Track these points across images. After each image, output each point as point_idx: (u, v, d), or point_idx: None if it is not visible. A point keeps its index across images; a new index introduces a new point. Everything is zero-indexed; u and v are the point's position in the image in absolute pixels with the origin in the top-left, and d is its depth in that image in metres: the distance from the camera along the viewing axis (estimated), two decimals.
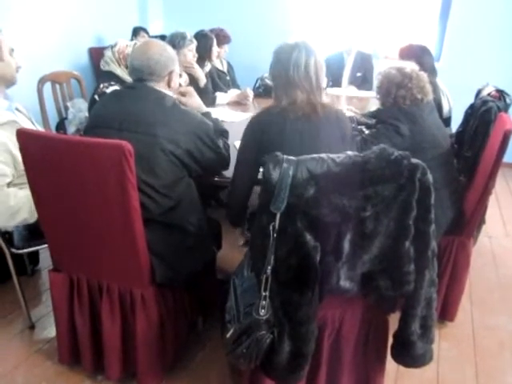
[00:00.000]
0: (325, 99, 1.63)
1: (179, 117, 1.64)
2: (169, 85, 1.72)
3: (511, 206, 3.66)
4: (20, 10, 3.63)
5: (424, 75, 2.01)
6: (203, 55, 3.18)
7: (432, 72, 2.68)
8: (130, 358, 1.71)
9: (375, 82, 2.13)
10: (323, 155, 1.16)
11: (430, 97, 2.03)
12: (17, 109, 1.98)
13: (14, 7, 3.55)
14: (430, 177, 1.18)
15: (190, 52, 2.84)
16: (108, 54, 2.52)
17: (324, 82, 1.60)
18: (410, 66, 2.03)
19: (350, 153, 1.18)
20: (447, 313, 2.15)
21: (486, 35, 4.24)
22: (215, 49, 3.33)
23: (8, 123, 1.79)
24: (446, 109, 2.77)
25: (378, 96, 2.09)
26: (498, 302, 2.40)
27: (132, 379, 1.76)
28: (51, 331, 2.03)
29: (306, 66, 1.51)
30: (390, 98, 2.00)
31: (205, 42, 3.18)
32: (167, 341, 1.73)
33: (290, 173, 1.13)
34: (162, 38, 3.76)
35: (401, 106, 1.97)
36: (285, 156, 1.15)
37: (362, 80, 4.00)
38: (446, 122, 2.76)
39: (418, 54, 2.62)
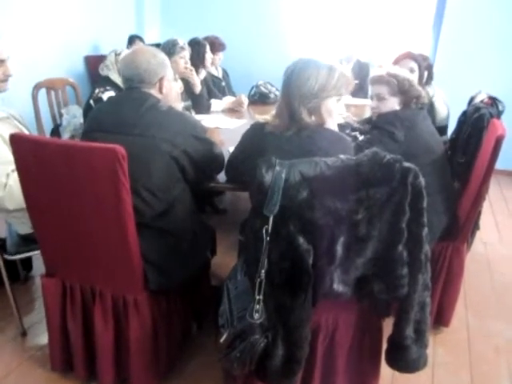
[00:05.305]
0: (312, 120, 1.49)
1: (175, 118, 1.65)
2: (160, 91, 1.72)
3: (505, 213, 3.67)
4: (18, 16, 3.64)
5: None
6: (197, 62, 3.18)
7: (429, 78, 2.72)
8: (123, 365, 1.70)
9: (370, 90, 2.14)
10: (316, 158, 1.16)
11: (426, 102, 2.05)
12: (12, 116, 1.98)
13: (12, 13, 3.57)
14: (422, 180, 1.18)
15: (182, 59, 2.83)
16: (111, 59, 2.51)
17: (315, 101, 1.46)
18: (408, 73, 2.05)
19: (342, 156, 1.19)
20: (442, 318, 2.15)
21: (478, 44, 4.29)
22: (209, 55, 3.33)
23: (2, 119, 1.83)
24: (443, 115, 2.78)
25: (393, 96, 2.02)
26: (493, 308, 2.40)
27: None
28: (44, 338, 2.00)
29: (296, 79, 1.45)
30: (408, 95, 2.00)
31: (198, 50, 3.18)
32: (161, 347, 1.72)
33: (283, 176, 1.13)
34: (157, 46, 3.78)
35: (408, 108, 1.99)
36: (277, 159, 1.15)
37: (358, 88, 4.03)
38: (443, 129, 2.77)
39: (419, 60, 2.66)
